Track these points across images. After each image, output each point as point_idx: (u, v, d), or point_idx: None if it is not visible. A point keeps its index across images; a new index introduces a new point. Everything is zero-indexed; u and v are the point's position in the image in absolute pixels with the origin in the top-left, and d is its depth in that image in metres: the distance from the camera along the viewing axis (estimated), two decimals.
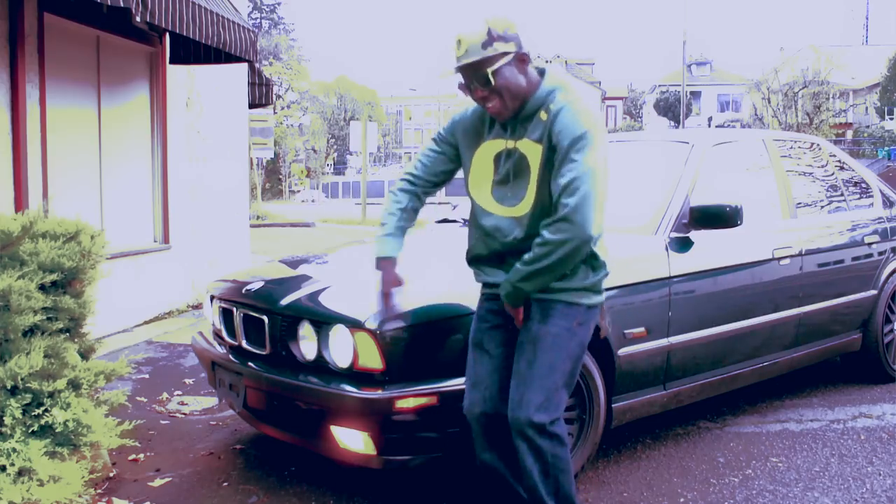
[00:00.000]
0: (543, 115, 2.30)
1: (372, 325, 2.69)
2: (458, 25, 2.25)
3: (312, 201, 47.23)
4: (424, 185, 2.59)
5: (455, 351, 2.76)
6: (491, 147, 2.42)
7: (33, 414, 2.68)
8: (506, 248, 2.40)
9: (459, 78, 2.32)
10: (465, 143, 2.49)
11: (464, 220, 4.10)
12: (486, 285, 2.55)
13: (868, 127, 39.87)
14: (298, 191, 51.75)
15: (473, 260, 2.57)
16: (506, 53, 2.24)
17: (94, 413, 2.86)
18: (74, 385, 2.85)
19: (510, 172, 2.37)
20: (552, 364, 2.32)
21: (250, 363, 3.12)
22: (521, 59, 2.29)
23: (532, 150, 2.32)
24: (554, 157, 2.25)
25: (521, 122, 2.34)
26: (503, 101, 2.28)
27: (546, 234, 2.21)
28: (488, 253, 2.47)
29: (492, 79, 2.23)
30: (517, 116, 2.34)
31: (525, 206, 2.34)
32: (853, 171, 4.92)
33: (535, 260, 2.24)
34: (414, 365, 2.73)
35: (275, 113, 34.20)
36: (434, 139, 2.60)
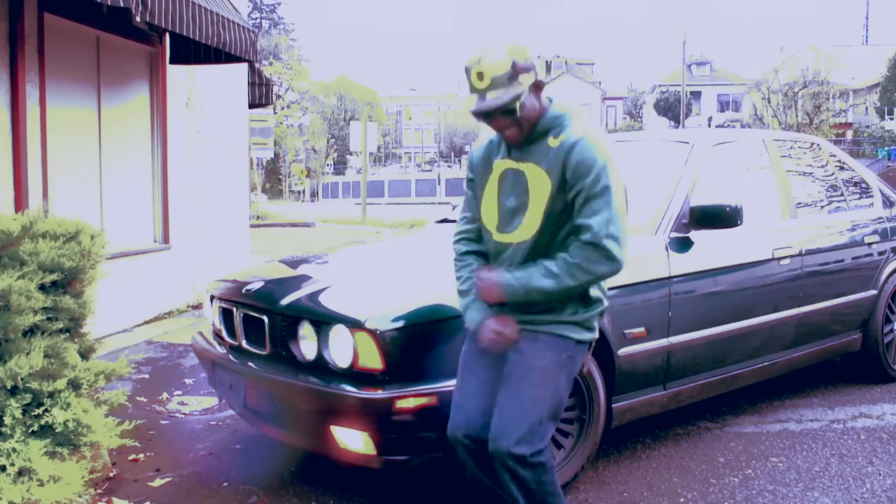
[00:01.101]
0: (553, 142, 2.29)
1: (372, 325, 2.69)
2: (478, 51, 2.20)
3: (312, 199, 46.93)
4: (478, 231, 2.55)
5: (455, 351, 2.75)
6: (498, 167, 2.41)
7: (33, 414, 2.68)
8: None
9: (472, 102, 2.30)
10: (479, 173, 2.49)
11: None
12: None
13: (868, 127, 39.86)
14: (299, 191, 51.77)
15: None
16: (529, 84, 2.24)
17: (94, 413, 2.86)
18: (74, 385, 2.85)
19: (511, 193, 2.36)
20: (538, 397, 2.29)
21: (250, 363, 3.12)
22: (538, 87, 2.29)
23: (536, 176, 2.30)
24: (567, 188, 2.25)
25: (527, 143, 2.34)
26: (521, 129, 2.29)
27: (581, 259, 2.20)
28: None
29: (520, 107, 2.23)
30: (526, 140, 2.33)
31: (523, 233, 2.31)
32: (853, 171, 4.92)
33: (560, 276, 2.22)
34: (414, 365, 2.73)
35: (275, 113, 34.21)
36: (466, 186, 2.60)
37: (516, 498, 2.32)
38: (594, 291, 2.37)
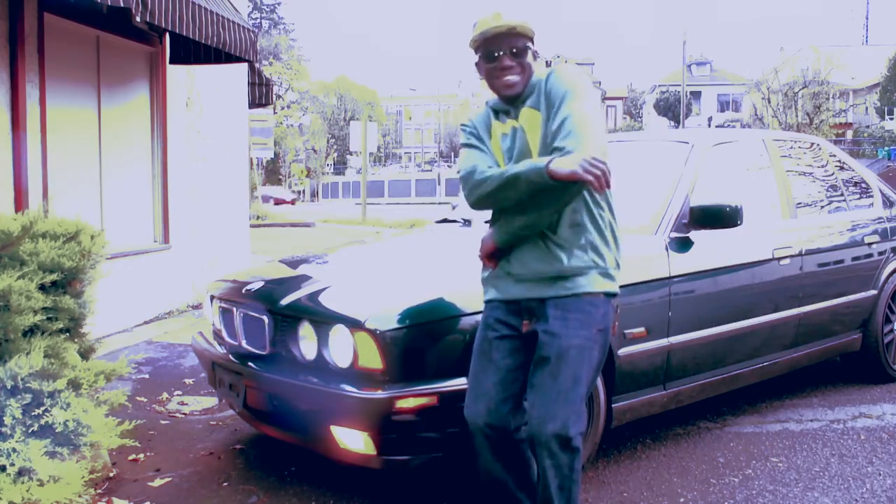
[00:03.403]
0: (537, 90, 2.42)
1: (372, 325, 2.69)
2: (497, 9, 2.39)
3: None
4: None
5: (455, 351, 2.76)
6: (497, 130, 2.49)
7: (33, 414, 2.68)
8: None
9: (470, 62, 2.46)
10: (484, 133, 2.55)
11: (464, 219, 4.10)
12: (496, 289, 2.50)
13: (868, 127, 39.86)
14: (300, 191, 51.77)
15: (490, 276, 2.52)
16: (533, 40, 2.42)
17: (94, 413, 2.86)
18: (74, 385, 2.85)
19: (513, 149, 2.42)
20: (577, 377, 2.30)
21: (250, 363, 3.12)
22: (535, 55, 2.45)
23: (530, 118, 2.40)
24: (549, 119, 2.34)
25: (520, 102, 2.44)
26: (522, 76, 2.40)
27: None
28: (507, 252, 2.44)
29: (526, 52, 2.38)
30: (518, 99, 2.43)
31: None
32: (853, 171, 4.92)
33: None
34: (414, 365, 2.73)
35: (275, 113, 34.18)
36: (467, 144, 2.51)
37: (548, 486, 2.30)
38: (614, 230, 2.42)
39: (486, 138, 2.51)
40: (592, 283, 2.35)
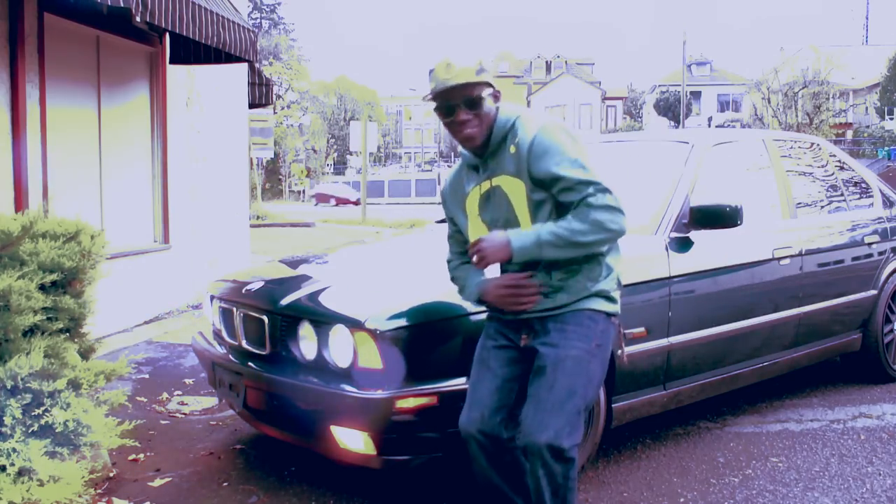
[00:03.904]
0: (512, 149, 2.34)
1: (372, 325, 2.69)
2: (445, 53, 2.34)
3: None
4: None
5: (455, 351, 2.76)
6: (473, 195, 2.46)
7: (33, 414, 2.68)
8: (518, 271, 2.40)
9: (433, 104, 2.38)
10: (454, 206, 2.55)
11: None
12: (491, 307, 2.51)
13: (868, 127, 39.86)
14: (299, 191, 51.66)
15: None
16: (490, 85, 2.35)
17: (94, 413, 2.86)
18: (74, 385, 2.85)
19: (495, 211, 2.39)
20: (572, 388, 2.30)
21: (250, 363, 3.12)
22: (495, 97, 2.39)
23: (510, 184, 2.35)
24: (538, 182, 2.29)
25: (490, 156, 2.39)
26: (481, 128, 2.34)
27: (591, 215, 2.22)
28: None
29: (482, 102, 2.31)
30: (486, 151, 2.38)
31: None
32: (853, 171, 4.92)
33: (572, 225, 2.23)
34: (414, 365, 2.73)
35: (275, 113, 34.16)
36: (446, 217, 2.65)
37: (541, 494, 2.30)
38: (610, 259, 2.41)
39: (458, 207, 2.52)
40: (593, 304, 2.38)
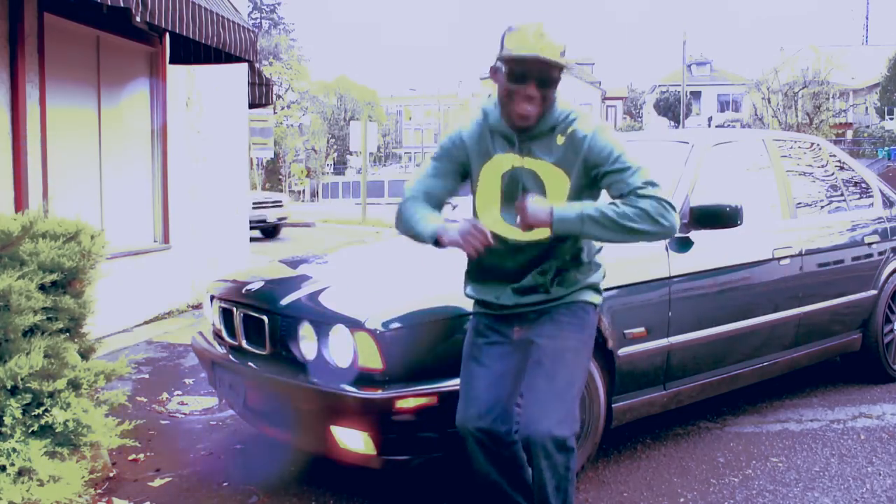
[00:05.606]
0: (560, 139, 2.29)
1: (372, 325, 2.69)
2: (533, 21, 2.21)
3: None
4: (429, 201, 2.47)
5: (455, 351, 2.75)
6: (499, 162, 2.36)
7: (33, 414, 2.68)
8: (517, 267, 2.39)
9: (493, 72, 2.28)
10: (475, 154, 2.41)
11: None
12: (482, 303, 2.51)
13: (868, 127, 39.86)
14: (299, 191, 51.65)
15: (474, 278, 2.53)
16: (564, 72, 2.26)
17: (94, 413, 2.86)
18: (74, 385, 2.85)
19: (516, 190, 2.34)
20: (571, 379, 2.33)
21: (250, 363, 3.12)
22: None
23: (551, 174, 2.30)
24: (587, 177, 2.28)
25: (530, 138, 2.31)
26: (540, 109, 2.26)
27: (647, 206, 2.19)
28: (493, 275, 2.45)
29: (554, 86, 2.23)
30: (528, 131, 2.30)
31: (545, 231, 2.28)
32: (853, 171, 4.92)
33: (624, 211, 2.20)
34: (414, 365, 2.73)
35: (275, 113, 34.19)
36: (434, 157, 2.48)
37: (544, 487, 2.31)
38: (597, 258, 2.50)
39: (479, 159, 2.38)
40: (585, 296, 2.44)
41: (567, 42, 2.24)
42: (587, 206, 2.22)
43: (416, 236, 2.39)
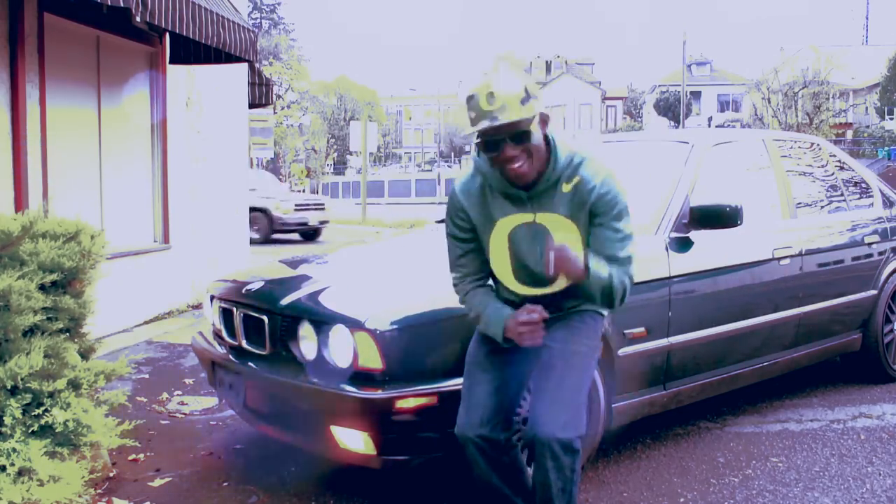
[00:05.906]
0: (566, 187, 2.27)
1: (372, 325, 2.69)
2: (484, 77, 2.12)
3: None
4: (480, 279, 2.50)
5: (455, 351, 2.76)
6: (506, 225, 2.35)
7: (33, 414, 2.68)
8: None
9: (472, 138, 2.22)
10: (479, 223, 2.40)
11: None
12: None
13: (868, 127, 39.86)
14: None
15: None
16: (538, 113, 2.18)
17: (94, 413, 2.86)
18: (74, 385, 2.85)
19: (531, 246, 2.33)
20: (579, 383, 2.36)
21: (250, 363, 3.12)
22: (543, 121, 2.23)
23: (562, 226, 2.30)
24: (588, 223, 2.32)
25: (539, 192, 2.28)
26: (531, 162, 2.20)
27: (625, 275, 2.32)
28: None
29: (530, 135, 2.15)
30: (534, 186, 2.27)
31: (562, 282, 2.33)
32: (853, 171, 4.92)
33: (614, 276, 2.29)
34: (414, 365, 2.73)
35: (275, 113, 34.17)
36: (452, 235, 2.46)
37: (549, 489, 2.31)
38: None
39: (484, 226, 2.38)
40: (592, 304, 2.47)
41: (527, 79, 2.15)
42: (616, 274, 2.30)
43: (483, 323, 2.45)
